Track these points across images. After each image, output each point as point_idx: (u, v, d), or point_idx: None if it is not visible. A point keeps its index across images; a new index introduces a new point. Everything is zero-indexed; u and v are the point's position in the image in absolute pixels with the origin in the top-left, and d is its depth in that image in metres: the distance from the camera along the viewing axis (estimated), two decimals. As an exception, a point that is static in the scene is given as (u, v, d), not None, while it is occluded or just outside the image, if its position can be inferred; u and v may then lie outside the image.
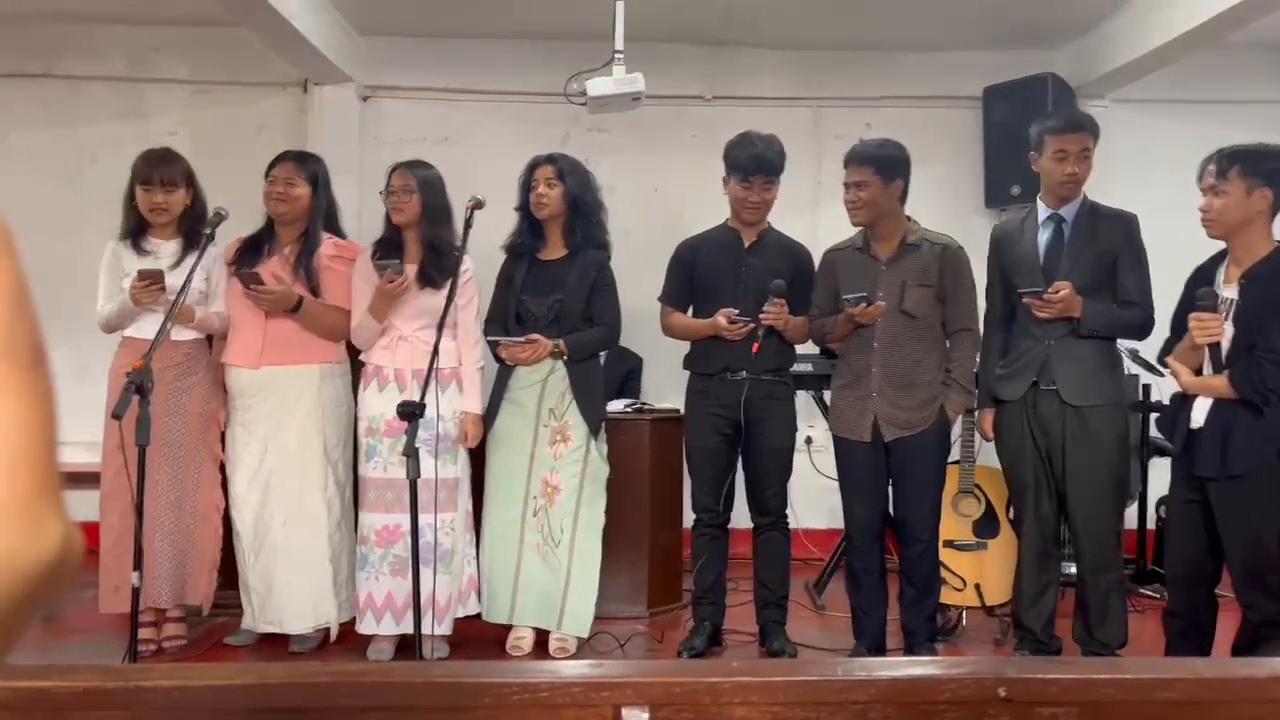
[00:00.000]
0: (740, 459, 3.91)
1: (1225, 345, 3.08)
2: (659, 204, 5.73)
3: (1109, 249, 3.55)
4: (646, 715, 0.81)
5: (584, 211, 3.92)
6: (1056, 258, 3.58)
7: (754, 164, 3.79)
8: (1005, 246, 3.75)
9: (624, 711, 0.80)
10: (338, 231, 4.07)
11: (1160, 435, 3.39)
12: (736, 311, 3.72)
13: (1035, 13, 5.26)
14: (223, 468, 3.94)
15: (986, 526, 4.14)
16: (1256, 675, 0.85)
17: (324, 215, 3.97)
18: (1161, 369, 3.44)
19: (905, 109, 5.66)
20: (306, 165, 3.95)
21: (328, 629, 3.90)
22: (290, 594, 3.82)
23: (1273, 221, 3.14)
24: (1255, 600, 3.09)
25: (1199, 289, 3.12)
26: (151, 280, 3.68)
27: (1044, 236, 3.64)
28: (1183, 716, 0.84)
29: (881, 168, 3.64)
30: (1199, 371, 3.16)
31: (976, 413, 3.82)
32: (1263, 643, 3.07)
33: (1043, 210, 3.65)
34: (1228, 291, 3.13)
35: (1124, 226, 3.59)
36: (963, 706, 0.83)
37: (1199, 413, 3.14)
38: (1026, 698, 0.83)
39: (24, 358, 0.28)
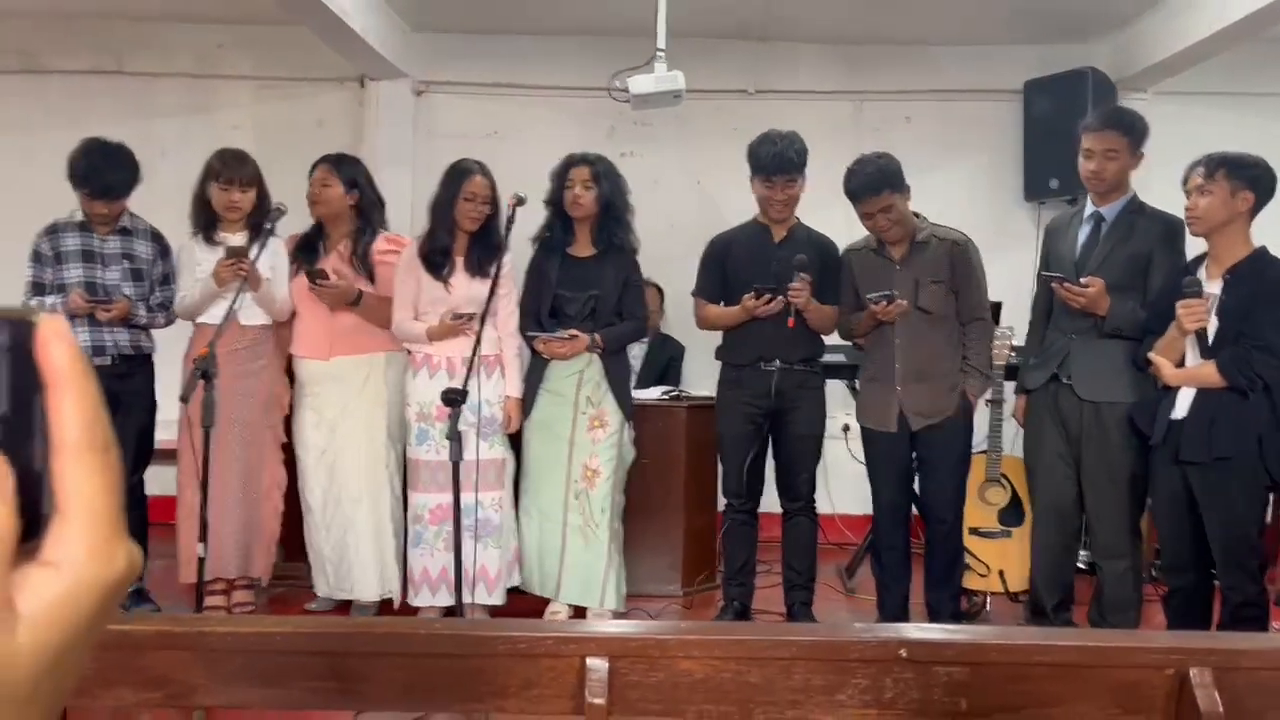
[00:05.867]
0: (770, 446, 4.07)
1: (1210, 336, 3.22)
2: (702, 196, 5.87)
3: (1144, 249, 3.56)
4: (606, 664, 0.99)
5: (614, 214, 4.05)
6: (1090, 254, 3.66)
7: (775, 163, 3.90)
8: (1052, 240, 3.87)
9: (588, 661, 0.98)
10: (384, 226, 4.28)
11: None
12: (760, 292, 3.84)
13: (1076, 6, 5.30)
14: (288, 448, 4.20)
15: (1011, 515, 4.24)
16: (1126, 644, 1.00)
17: (372, 211, 4.18)
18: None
19: (945, 103, 5.74)
20: (342, 168, 4.16)
21: (386, 599, 4.14)
22: (361, 564, 4.09)
23: (1250, 224, 3.29)
24: (1236, 581, 3.24)
25: (1184, 279, 3.26)
26: (237, 258, 3.86)
27: (1083, 233, 3.70)
28: (1057, 678, 0.99)
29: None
30: (1180, 364, 3.30)
31: (1015, 399, 3.94)
32: (1244, 621, 3.21)
33: (1088, 206, 3.72)
34: (1211, 287, 3.25)
35: (1163, 229, 3.57)
36: (871, 664, 0.99)
37: (1182, 403, 3.29)
38: (925, 658, 0.99)
39: (101, 445, 0.45)
